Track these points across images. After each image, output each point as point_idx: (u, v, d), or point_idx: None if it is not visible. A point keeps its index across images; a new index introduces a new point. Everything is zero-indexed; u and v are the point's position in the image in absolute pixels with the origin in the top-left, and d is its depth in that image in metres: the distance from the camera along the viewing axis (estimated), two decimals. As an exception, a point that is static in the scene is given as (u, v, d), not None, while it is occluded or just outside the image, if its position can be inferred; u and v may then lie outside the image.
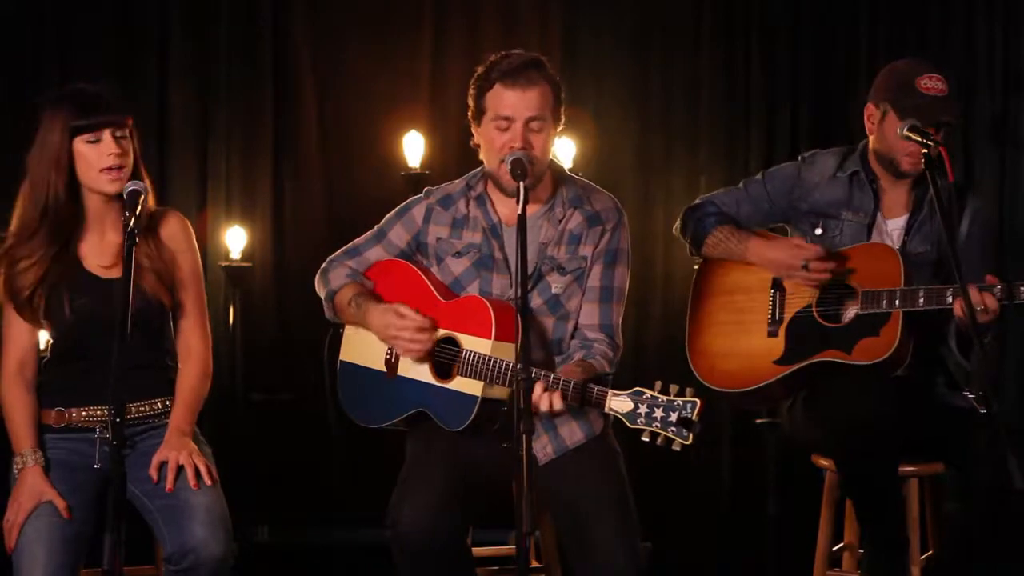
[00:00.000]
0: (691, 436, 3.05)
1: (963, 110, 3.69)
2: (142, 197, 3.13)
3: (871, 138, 3.77)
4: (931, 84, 3.62)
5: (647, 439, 3.09)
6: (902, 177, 3.71)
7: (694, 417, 3.05)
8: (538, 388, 3.17)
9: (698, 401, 3.06)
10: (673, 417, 3.06)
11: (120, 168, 3.26)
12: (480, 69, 3.38)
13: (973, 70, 5.44)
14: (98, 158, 3.26)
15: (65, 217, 3.28)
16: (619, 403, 3.12)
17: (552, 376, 3.19)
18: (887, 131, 3.67)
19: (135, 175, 3.31)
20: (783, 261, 3.69)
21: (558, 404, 3.17)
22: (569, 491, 3.31)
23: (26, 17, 5.04)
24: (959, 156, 5.28)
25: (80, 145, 3.27)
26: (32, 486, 3.19)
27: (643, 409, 3.08)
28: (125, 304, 2.95)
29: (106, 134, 3.26)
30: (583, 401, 3.18)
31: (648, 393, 3.09)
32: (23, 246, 3.29)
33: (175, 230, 3.41)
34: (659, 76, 5.53)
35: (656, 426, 3.07)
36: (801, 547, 3.91)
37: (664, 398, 3.08)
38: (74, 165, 3.27)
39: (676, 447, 3.07)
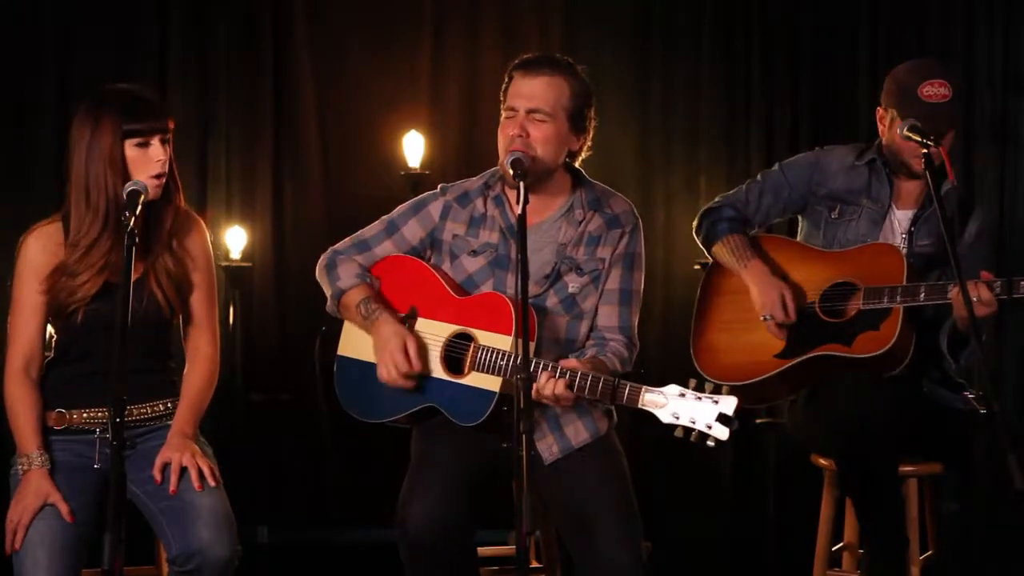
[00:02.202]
0: (728, 433, 3.05)
1: (964, 111, 3.74)
2: (141, 197, 3.12)
3: (883, 139, 3.82)
4: (933, 91, 3.66)
5: (680, 435, 3.09)
6: (913, 177, 3.75)
7: (732, 414, 3.05)
8: (543, 376, 3.17)
9: (735, 398, 3.06)
10: (710, 414, 3.06)
11: (163, 175, 3.25)
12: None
13: (973, 70, 5.44)
14: (147, 164, 3.23)
15: (119, 216, 3.20)
16: (652, 399, 3.11)
17: (560, 368, 3.19)
18: (895, 135, 3.72)
19: (169, 177, 3.30)
20: (759, 302, 3.72)
21: (560, 389, 3.15)
22: (573, 491, 3.30)
23: (26, 17, 5.04)
24: (959, 156, 5.28)
25: (129, 149, 3.24)
26: (37, 487, 3.18)
27: (678, 405, 3.08)
28: (125, 304, 2.94)
29: (155, 139, 3.25)
30: (614, 398, 3.16)
31: (683, 390, 3.09)
32: (85, 259, 3.24)
33: (194, 233, 3.40)
34: (659, 76, 5.52)
35: (691, 422, 3.07)
36: (801, 547, 3.92)
37: (700, 395, 3.08)
38: (128, 168, 3.23)
39: (711, 443, 3.07)
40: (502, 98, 3.42)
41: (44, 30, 5.07)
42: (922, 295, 3.54)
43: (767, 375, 3.70)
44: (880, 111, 3.81)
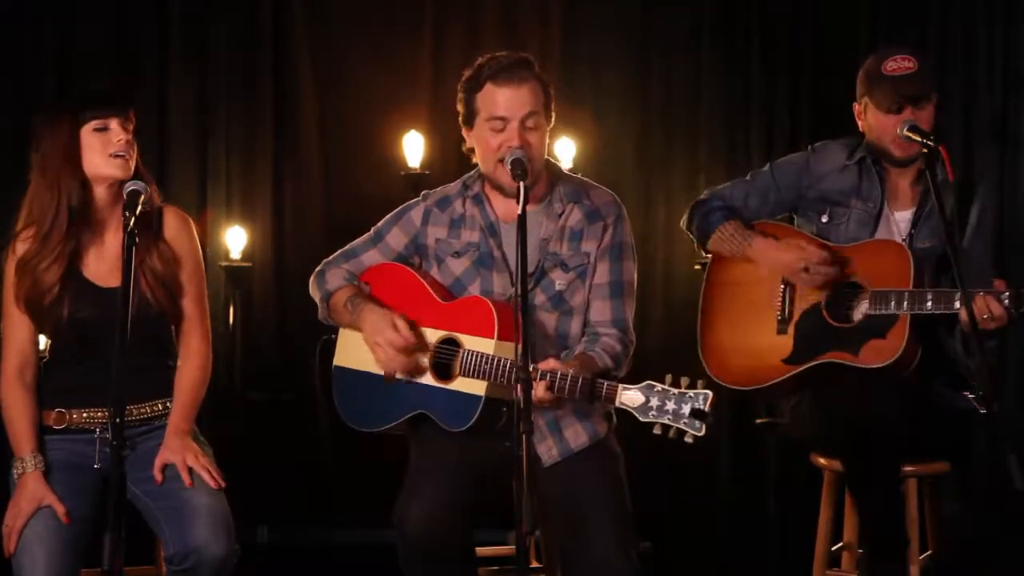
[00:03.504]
0: (704, 428, 3.05)
1: (938, 84, 3.76)
2: (142, 197, 3.13)
3: (864, 132, 3.82)
4: (896, 65, 3.70)
5: (659, 432, 3.09)
6: (899, 165, 3.75)
7: (707, 408, 3.05)
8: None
9: (710, 393, 3.06)
10: (685, 409, 3.06)
11: (127, 157, 3.27)
12: (468, 73, 3.38)
13: (973, 70, 5.44)
14: (106, 145, 3.27)
15: (80, 209, 3.27)
16: (630, 397, 3.11)
17: (540, 369, 3.17)
18: (871, 122, 3.75)
19: (137, 172, 3.32)
20: (786, 263, 3.70)
21: (540, 392, 3.14)
22: (569, 493, 3.30)
23: (26, 17, 5.04)
24: (959, 156, 5.28)
25: (87, 135, 3.27)
26: (32, 491, 3.19)
27: (655, 402, 3.08)
28: (125, 306, 2.95)
29: (113, 122, 3.28)
30: (592, 397, 3.16)
31: (659, 386, 3.09)
32: (42, 249, 3.27)
33: (178, 228, 3.40)
34: (659, 76, 5.53)
35: (668, 419, 3.07)
36: (801, 547, 3.91)
37: (676, 391, 3.07)
38: (82, 157, 3.27)
39: (688, 439, 3.07)
40: (464, 107, 3.37)
41: (44, 30, 5.07)
42: (929, 303, 3.52)
43: (775, 381, 3.70)
44: (856, 107, 3.83)
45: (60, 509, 3.15)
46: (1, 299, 3.34)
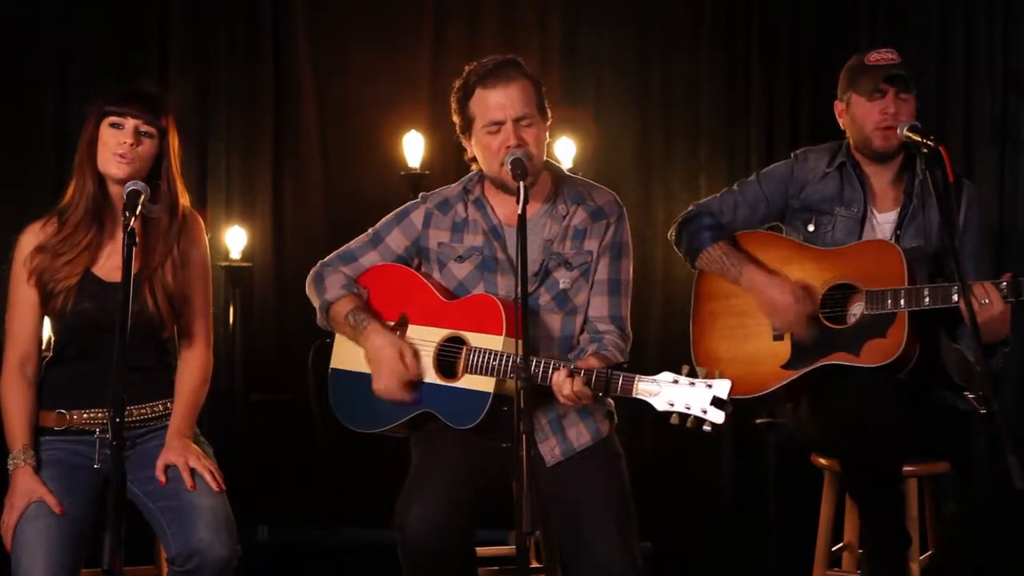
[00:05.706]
0: (724, 416, 3.05)
1: (917, 89, 3.78)
2: (142, 197, 3.13)
3: (847, 133, 3.84)
4: (879, 56, 3.75)
5: (676, 422, 3.09)
6: (882, 159, 3.76)
7: (726, 397, 3.05)
8: (563, 372, 3.17)
9: (729, 381, 3.06)
10: (705, 398, 3.06)
11: (131, 160, 3.26)
12: (457, 83, 3.40)
13: (973, 70, 5.44)
14: (116, 143, 3.27)
15: (97, 203, 3.29)
16: (647, 387, 3.11)
17: (574, 365, 3.18)
18: (855, 112, 3.76)
19: (166, 182, 3.31)
20: (777, 304, 3.68)
21: (579, 387, 3.15)
22: (570, 493, 3.30)
23: (26, 17, 5.04)
24: (959, 156, 5.28)
25: (104, 128, 3.29)
26: (23, 487, 3.20)
27: (673, 392, 3.08)
28: (125, 305, 2.95)
29: (130, 122, 3.28)
30: (608, 390, 3.16)
31: (677, 376, 3.09)
32: (62, 236, 3.29)
33: (193, 233, 3.41)
34: (659, 76, 5.52)
35: (686, 408, 3.07)
36: (801, 547, 3.92)
37: (694, 380, 3.08)
38: (98, 148, 3.29)
39: (707, 427, 3.07)
40: (460, 117, 3.39)
41: (44, 30, 5.07)
42: (926, 299, 3.52)
43: (774, 388, 3.70)
44: (838, 105, 3.84)
45: (51, 500, 3.16)
46: (8, 290, 3.34)
